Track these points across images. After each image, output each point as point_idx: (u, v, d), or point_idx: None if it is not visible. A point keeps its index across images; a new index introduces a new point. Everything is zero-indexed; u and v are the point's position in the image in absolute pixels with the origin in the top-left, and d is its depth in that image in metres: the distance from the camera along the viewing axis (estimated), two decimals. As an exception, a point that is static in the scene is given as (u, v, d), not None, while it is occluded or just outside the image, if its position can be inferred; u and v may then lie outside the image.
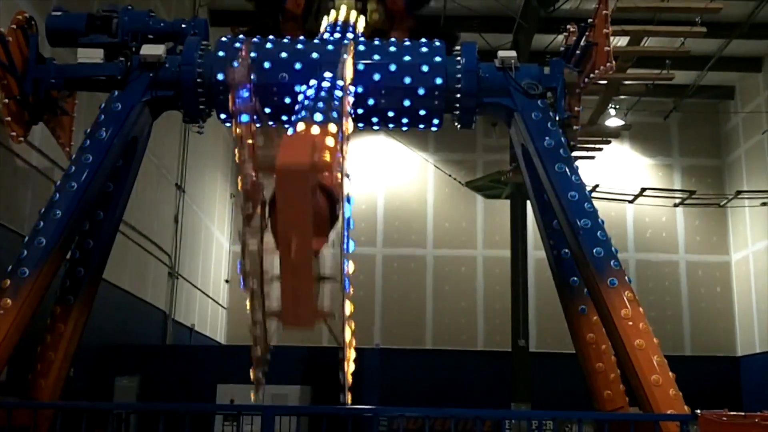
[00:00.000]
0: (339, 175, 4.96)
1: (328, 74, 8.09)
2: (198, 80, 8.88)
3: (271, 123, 9.38)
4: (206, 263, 21.86)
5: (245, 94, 5.25)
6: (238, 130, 5.21)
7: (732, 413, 7.09)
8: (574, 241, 8.50)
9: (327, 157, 4.91)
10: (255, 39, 9.19)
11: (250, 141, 5.05)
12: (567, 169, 8.77)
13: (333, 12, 10.48)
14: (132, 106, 8.77)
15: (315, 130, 5.61)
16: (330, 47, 9.01)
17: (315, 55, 8.87)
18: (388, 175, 25.28)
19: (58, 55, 9.70)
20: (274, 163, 4.54)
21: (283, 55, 8.86)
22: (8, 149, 10.12)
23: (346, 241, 5.17)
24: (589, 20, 9.02)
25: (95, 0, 12.85)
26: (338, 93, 7.48)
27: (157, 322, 17.41)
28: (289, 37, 9.60)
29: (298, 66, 8.78)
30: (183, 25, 9.23)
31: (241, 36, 9.33)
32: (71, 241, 8.68)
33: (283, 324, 5.07)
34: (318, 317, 5.14)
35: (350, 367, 6.71)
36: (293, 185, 4.45)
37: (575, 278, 9.08)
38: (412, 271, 24.87)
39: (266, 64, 8.81)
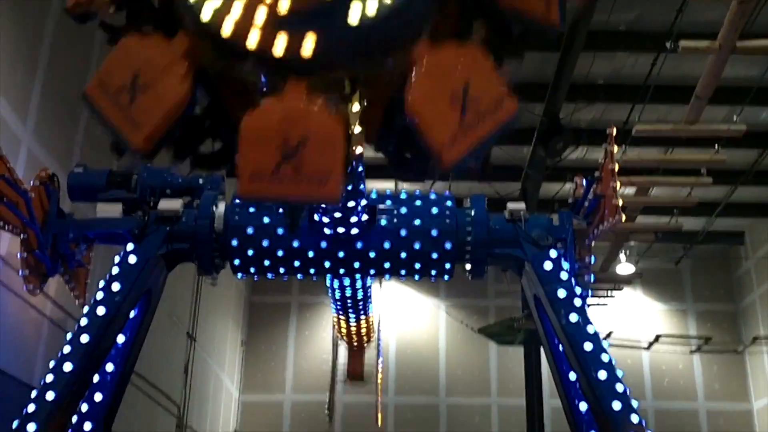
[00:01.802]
0: None
1: None
2: (213, 234, 9.02)
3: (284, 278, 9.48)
4: (215, 413, 21.48)
5: None
6: None
7: None
8: (592, 395, 8.34)
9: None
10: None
11: None
12: (581, 320, 8.71)
13: None
14: (147, 260, 8.86)
15: None
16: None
17: (328, 231, 9.05)
18: (399, 320, 25.18)
19: (77, 209, 9.93)
20: None
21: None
22: (23, 300, 10.19)
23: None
24: (596, 174, 9.21)
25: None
26: None
27: (165, 476, 16.97)
28: None
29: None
30: (200, 180, 9.46)
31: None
32: (81, 395, 8.56)
33: None
34: None
35: None
36: None
37: (594, 432, 8.84)
38: (426, 421, 24.34)
39: (279, 230, 9.02)
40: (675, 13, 12.85)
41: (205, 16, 3.62)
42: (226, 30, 3.57)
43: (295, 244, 8.93)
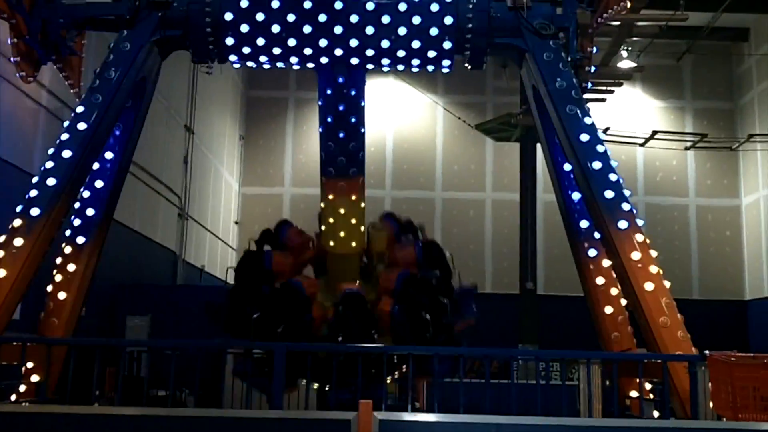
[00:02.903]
0: None
1: None
2: (207, 19, 8.80)
3: (280, 65, 9.32)
4: (216, 205, 21.94)
5: None
6: None
7: (740, 354, 7.15)
8: (585, 184, 8.48)
9: None
10: None
11: None
12: (578, 111, 8.70)
13: None
14: (141, 46, 8.72)
15: None
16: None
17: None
18: (397, 118, 25.16)
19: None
20: None
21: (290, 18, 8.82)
22: (18, 89, 10.10)
23: None
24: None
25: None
26: None
27: (168, 262, 17.56)
28: None
29: (307, 5, 8.73)
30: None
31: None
32: (81, 182, 8.71)
33: None
34: None
35: None
36: None
37: (585, 221, 9.07)
38: (421, 213, 24.86)
39: (275, 3, 8.76)
40: None
41: None
42: None
43: (291, 18, 8.72)
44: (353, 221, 9.62)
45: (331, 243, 9.71)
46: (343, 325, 8.97)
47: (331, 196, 9.48)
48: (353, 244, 9.72)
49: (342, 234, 9.61)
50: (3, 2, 8.24)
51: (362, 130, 9.42)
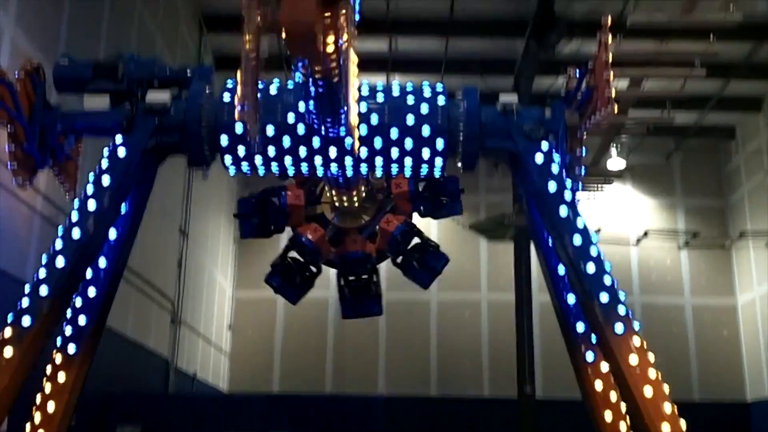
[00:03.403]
0: None
1: None
2: (203, 125, 8.90)
3: (275, 170, 9.41)
4: (209, 309, 21.78)
5: None
6: None
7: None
8: (580, 287, 8.42)
9: None
10: (259, 84, 9.21)
11: None
12: (571, 214, 8.71)
13: None
14: (137, 152, 8.77)
15: None
16: None
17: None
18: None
19: (64, 101, 9.78)
20: None
21: (288, 99, 8.93)
22: (13, 195, 10.16)
23: None
24: (589, 65, 9.06)
25: (102, 46, 13.03)
26: None
27: (159, 369, 17.30)
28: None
29: (303, 107, 8.86)
30: (188, 72, 9.27)
31: (245, 82, 9.35)
32: (74, 290, 8.62)
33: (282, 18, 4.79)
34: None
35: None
36: None
37: (582, 324, 8.98)
38: (416, 316, 24.76)
39: (270, 113, 8.90)
40: None
41: None
42: None
43: (287, 143, 8.83)
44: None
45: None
46: None
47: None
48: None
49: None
50: (2, 110, 8.33)
51: None
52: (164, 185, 15.69)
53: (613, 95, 8.74)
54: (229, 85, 9.16)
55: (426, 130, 9.05)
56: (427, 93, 9.20)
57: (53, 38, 11.36)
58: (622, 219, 24.33)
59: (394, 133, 9.11)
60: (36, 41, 10.73)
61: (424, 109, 9.07)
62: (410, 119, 9.03)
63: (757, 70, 20.50)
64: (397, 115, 9.04)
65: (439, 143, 9.14)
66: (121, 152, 8.75)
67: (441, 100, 9.12)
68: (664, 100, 14.07)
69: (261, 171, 9.42)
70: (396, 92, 9.16)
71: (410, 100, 9.08)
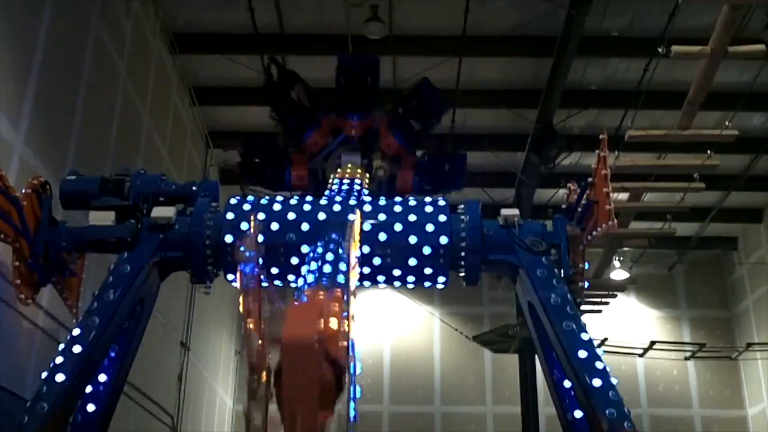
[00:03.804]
0: (345, 343, 4.94)
1: (334, 236, 8.17)
2: (207, 241, 8.96)
3: (278, 283, 9.44)
4: (209, 423, 21.39)
5: (251, 269, 5.32)
6: (243, 305, 5.21)
7: None
8: (586, 402, 8.31)
9: (334, 324, 4.91)
10: (263, 200, 9.35)
11: (254, 317, 5.05)
12: (575, 327, 8.68)
13: (339, 170, 10.84)
14: (141, 268, 8.81)
15: (321, 298, 5.63)
16: (337, 207, 9.15)
17: (322, 215, 9.00)
18: (393, 329, 25.13)
19: (70, 217, 9.88)
20: (280, 335, 4.54)
21: (291, 216, 8.99)
22: (15, 310, 10.12)
23: (352, 410, 5.08)
24: (589, 179, 9.20)
25: (109, 161, 13.26)
26: (344, 255, 7.52)
27: (158, 487, 16.86)
28: (297, 195, 9.80)
29: (305, 227, 8.89)
30: (194, 188, 9.42)
31: (250, 197, 9.48)
32: (73, 406, 8.50)
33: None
34: None
35: None
36: (299, 359, 4.43)
37: (589, 439, 8.80)
38: (421, 429, 24.27)
39: (274, 225, 8.92)
40: (667, 18, 12.89)
41: None
42: None
43: (290, 237, 8.87)
44: None
45: None
46: None
47: None
48: None
49: None
50: (9, 227, 8.40)
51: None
52: (167, 299, 15.66)
53: (614, 209, 8.86)
54: (233, 202, 9.30)
55: (427, 250, 9.13)
56: (428, 209, 9.31)
57: (61, 154, 11.58)
58: (627, 330, 24.12)
59: (397, 251, 9.19)
60: (44, 157, 10.93)
61: (428, 227, 9.17)
62: (413, 239, 9.11)
63: (756, 181, 20.75)
64: (400, 234, 9.13)
65: (442, 261, 9.20)
66: (125, 268, 8.79)
67: (442, 218, 9.24)
68: (665, 212, 14.21)
69: (263, 282, 9.48)
70: (398, 209, 9.28)
71: (412, 217, 9.19)
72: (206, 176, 19.96)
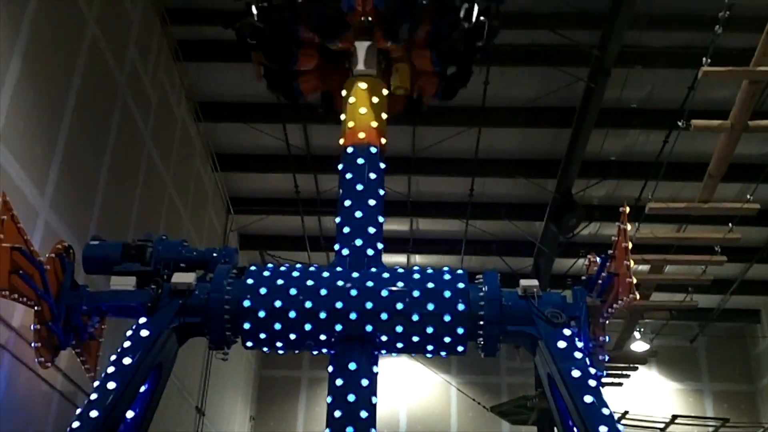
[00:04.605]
0: None
1: None
2: (226, 307, 8.99)
3: (295, 351, 9.44)
4: (223, 490, 21.11)
5: None
6: None
7: None
8: (607, 477, 8.16)
9: None
10: (282, 267, 9.40)
11: None
12: (596, 401, 8.55)
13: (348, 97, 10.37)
14: (159, 333, 8.83)
15: None
16: (355, 274, 9.17)
17: (340, 282, 9.03)
18: (410, 396, 24.86)
19: (91, 280, 9.97)
20: None
21: (309, 282, 9.02)
22: (34, 373, 10.14)
23: None
24: (609, 251, 9.18)
25: (132, 226, 13.40)
26: None
27: None
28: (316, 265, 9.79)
29: (323, 292, 8.93)
30: (214, 254, 9.49)
31: (269, 264, 9.55)
32: (89, 471, 8.45)
33: None
34: None
35: None
36: None
37: None
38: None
39: (292, 291, 8.96)
40: (686, 90, 12.99)
41: None
42: None
43: (308, 304, 8.88)
44: None
45: None
46: None
47: None
48: None
49: None
50: (31, 290, 8.48)
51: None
52: (183, 363, 15.62)
53: (634, 281, 8.82)
54: (253, 268, 9.36)
55: (446, 318, 9.10)
56: (447, 277, 9.31)
57: (85, 219, 11.73)
58: (648, 404, 23.68)
59: (415, 319, 9.17)
60: (68, 222, 11.08)
61: (446, 294, 9.15)
62: (431, 306, 9.10)
63: (778, 253, 20.58)
64: (418, 301, 9.12)
65: (460, 330, 9.16)
66: (144, 333, 8.81)
67: (461, 285, 9.23)
68: (686, 284, 14.11)
69: (280, 350, 9.46)
70: (417, 276, 9.29)
71: (430, 285, 9.19)
72: (226, 241, 20.10)
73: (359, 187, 9.69)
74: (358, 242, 9.36)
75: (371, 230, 9.50)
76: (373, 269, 9.31)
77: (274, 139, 17.64)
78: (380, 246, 9.60)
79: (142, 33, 13.91)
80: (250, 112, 17.44)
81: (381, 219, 9.69)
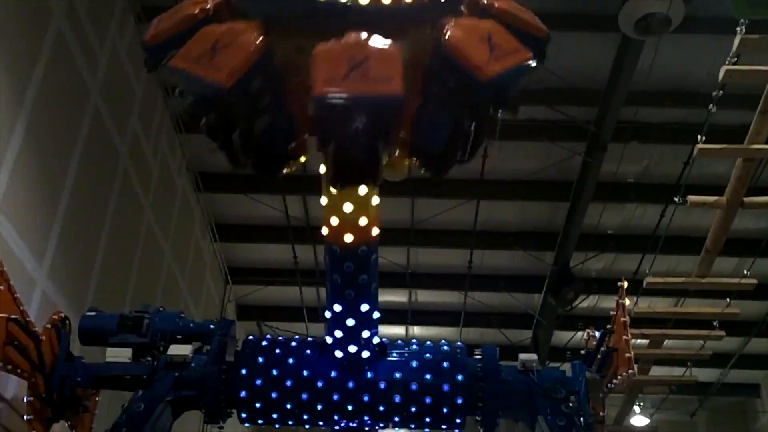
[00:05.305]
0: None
1: None
2: (222, 376, 8.92)
3: (290, 423, 9.32)
4: None
5: None
6: None
7: None
8: None
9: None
10: (279, 338, 9.35)
11: None
12: (595, 477, 8.47)
13: None
14: (155, 407, 8.74)
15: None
16: (353, 348, 9.09)
17: (339, 354, 8.97)
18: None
19: (86, 352, 9.90)
20: None
21: (305, 373, 8.93)
22: (25, 446, 9.99)
23: None
24: (608, 326, 9.18)
25: (129, 296, 13.37)
26: None
27: None
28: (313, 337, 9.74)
29: (319, 384, 8.85)
30: (211, 326, 9.45)
31: (267, 336, 9.50)
32: None
33: None
34: None
35: None
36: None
37: None
38: None
39: (290, 360, 8.90)
40: (682, 165, 13.14)
41: None
42: None
43: (305, 372, 8.79)
44: None
45: None
46: None
47: None
48: None
49: None
50: (26, 362, 8.41)
51: None
52: (178, 435, 15.39)
53: (633, 356, 8.79)
54: (250, 338, 9.31)
55: (445, 387, 9.03)
56: (445, 349, 9.27)
57: (83, 288, 11.70)
58: (649, 480, 23.33)
59: (413, 389, 9.10)
60: (66, 291, 11.05)
61: (444, 365, 9.10)
62: (428, 376, 9.04)
63: (778, 327, 20.49)
64: (416, 371, 9.07)
65: (459, 400, 9.09)
66: (139, 406, 8.71)
67: (459, 357, 9.18)
68: (686, 359, 14.04)
69: (277, 423, 9.35)
70: (414, 347, 9.24)
71: (428, 356, 9.14)
72: (224, 311, 20.01)
73: (349, 294, 8.15)
74: (352, 349, 8.73)
75: (366, 334, 8.53)
76: (369, 374, 9.04)
77: (274, 210, 17.74)
78: (376, 340, 9.10)
79: (144, 104, 14.10)
80: (249, 183, 17.58)
81: (376, 315, 8.52)
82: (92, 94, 11.81)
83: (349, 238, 7.67)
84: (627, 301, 9.11)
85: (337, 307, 8.48)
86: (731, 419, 25.12)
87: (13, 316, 8.21)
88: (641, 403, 21.43)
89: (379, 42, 4.09)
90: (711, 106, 9.62)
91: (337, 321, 8.58)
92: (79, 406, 9.26)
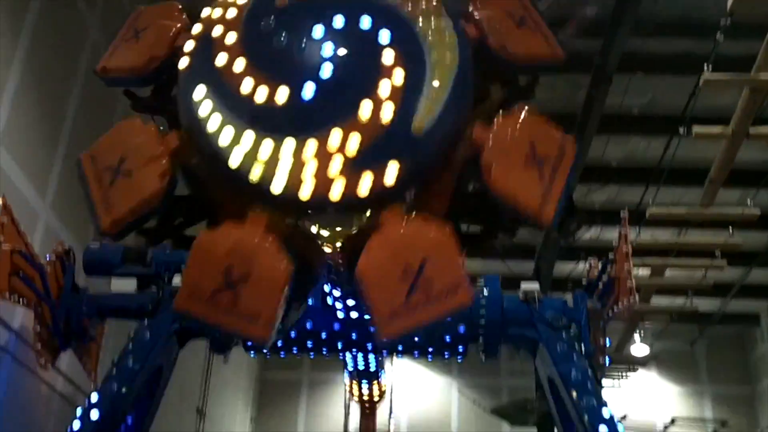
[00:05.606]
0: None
1: None
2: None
3: (294, 352, 9.44)
4: (222, 492, 21.12)
5: None
6: None
7: None
8: (607, 481, 8.17)
9: None
10: None
11: None
12: (596, 403, 8.58)
13: None
14: (160, 336, 8.84)
15: None
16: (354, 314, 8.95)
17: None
18: (411, 400, 24.85)
19: (92, 282, 9.97)
20: None
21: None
22: (35, 375, 10.16)
23: None
24: (610, 256, 9.20)
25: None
26: None
27: None
28: None
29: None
30: (217, 257, 9.47)
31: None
32: (89, 472, 8.46)
33: None
34: None
35: None
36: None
37: None
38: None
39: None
40: (687, 97, 13.00)
41: (234, 162, 3.66)
42: (277, 186, 3.57)
43: (308, 325, 8.88)
44: None
45: None
46: None
47: None
48: None
49: None
50: (32, 293, 8.49)
51: None
52: (184, 365, 15.59)
53: (635, 286, 8.83)
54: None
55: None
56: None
57: (86, 221, 11.70)
58: (648, 406, 23.68)
59: None
60: (69, 224, 11.09)
61: None
62: None
63: (779, 257, 20.56)
64: None
65: (460, 328, 9.19)
66: (145, 336, 8.81)
67: None
68: (686, 288, 14.11)
69: (282, 354, 9.48)
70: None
71: None
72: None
73: None
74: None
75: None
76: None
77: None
78: None
79: (144, 36, 13.91)
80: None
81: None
82: (91, 29, 11.65)
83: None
84: (629, 231, 9.11)
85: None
86: (731, 348, 25.41)
87: (17, 248, 8.27)
88: (641, 333, 21.67)
89: (265, 257, 3.63)
90: (718, 33, 9.46)
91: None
92: (85, 335, 9.38)
